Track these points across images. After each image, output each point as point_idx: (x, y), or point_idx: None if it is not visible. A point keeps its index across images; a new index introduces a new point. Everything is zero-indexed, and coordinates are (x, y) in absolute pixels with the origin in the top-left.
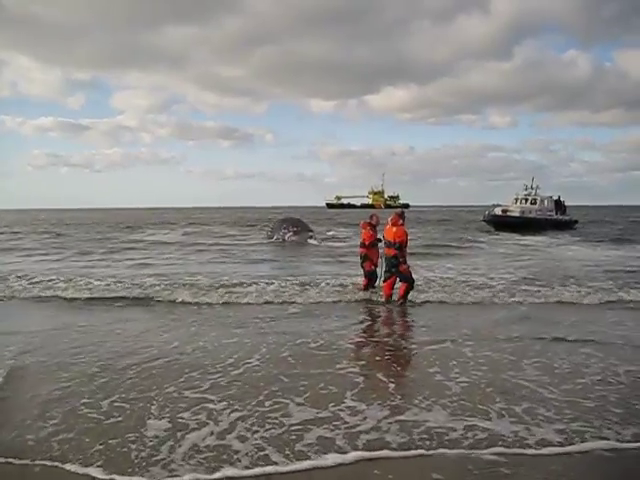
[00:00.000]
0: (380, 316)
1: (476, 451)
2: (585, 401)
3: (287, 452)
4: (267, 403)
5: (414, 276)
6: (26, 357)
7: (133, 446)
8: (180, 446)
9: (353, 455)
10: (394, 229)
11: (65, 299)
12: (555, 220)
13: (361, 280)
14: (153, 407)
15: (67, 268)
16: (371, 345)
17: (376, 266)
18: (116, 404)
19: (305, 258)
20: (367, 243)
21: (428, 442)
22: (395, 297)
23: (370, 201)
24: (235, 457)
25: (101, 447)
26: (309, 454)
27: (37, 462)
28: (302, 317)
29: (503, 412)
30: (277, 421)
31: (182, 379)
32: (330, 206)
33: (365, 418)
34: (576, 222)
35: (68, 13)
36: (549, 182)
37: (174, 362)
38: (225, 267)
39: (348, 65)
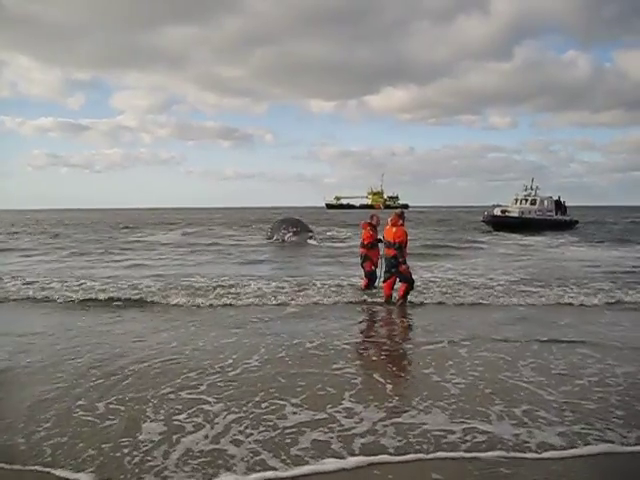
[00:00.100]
0: (379, 317)
1: (476, 454)
2: (585, 403)
3: (283, 456)
4: (264, 405)
5: (414, 276)
6: (20, 358)
7: (126, 451)
8: (174, 451)
9: (354, 460)
10: (394, 229)
11: (60, 300)
12: (555, 220)
13: (360, 280)
14: (149, 409)
15: (65, 269)
16: (369, 346)
17: (376, 266)
18: (111, 406)
19: (304, 258)
20: (367, 243)
21: (426, 445)
22: (395, 297)
23: (369, 202)
24: (231, 462)
25: (94, 452)
26: (306, 458)
27: (28, 467)
28: (301, 318)
29: (502, 414)
30: (272, 424)
31: (179, 380)
32: (329, 206)
33: (362, 420)
34: (576, 222)
35: (68, 13)
36: (549, 182)
37: (172, 363)
38: (224, 267)
39: (348, 65)
